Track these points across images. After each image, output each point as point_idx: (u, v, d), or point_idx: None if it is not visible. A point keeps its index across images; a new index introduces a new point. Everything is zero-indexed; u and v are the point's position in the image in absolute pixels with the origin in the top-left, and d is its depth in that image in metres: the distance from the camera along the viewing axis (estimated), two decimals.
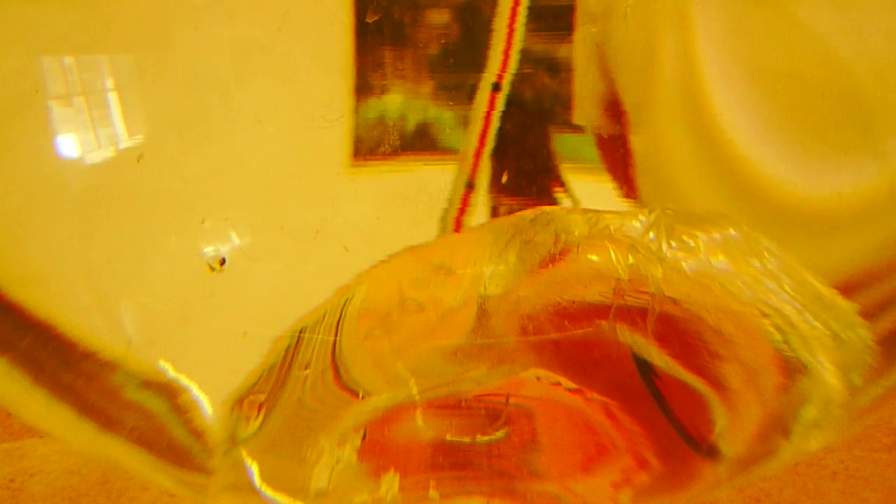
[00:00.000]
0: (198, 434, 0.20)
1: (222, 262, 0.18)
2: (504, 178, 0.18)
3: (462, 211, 0.19)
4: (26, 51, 0.17)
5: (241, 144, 0.18)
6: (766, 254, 0.18)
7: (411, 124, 0.18)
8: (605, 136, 0.18)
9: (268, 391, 0.19)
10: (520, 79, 0.18)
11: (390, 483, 0.19)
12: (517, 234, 0.18)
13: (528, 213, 0.18)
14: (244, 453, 0.20)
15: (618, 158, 0.18)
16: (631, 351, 0.18)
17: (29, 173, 0.18)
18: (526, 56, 0.18)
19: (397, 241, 0.18)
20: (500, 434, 0.19)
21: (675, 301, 0.18)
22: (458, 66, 0.18)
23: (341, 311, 0.19)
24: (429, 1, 0.17)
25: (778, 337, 0.18)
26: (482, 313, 0.18)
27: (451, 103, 0.18)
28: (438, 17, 0.17)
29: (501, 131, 0.18)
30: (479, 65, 0.18)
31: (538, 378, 0.19)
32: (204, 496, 0.21)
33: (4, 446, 0.32)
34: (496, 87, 0.18)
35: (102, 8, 0.18)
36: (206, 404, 0.19)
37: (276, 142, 0.18)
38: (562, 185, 0.18)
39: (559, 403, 0.19)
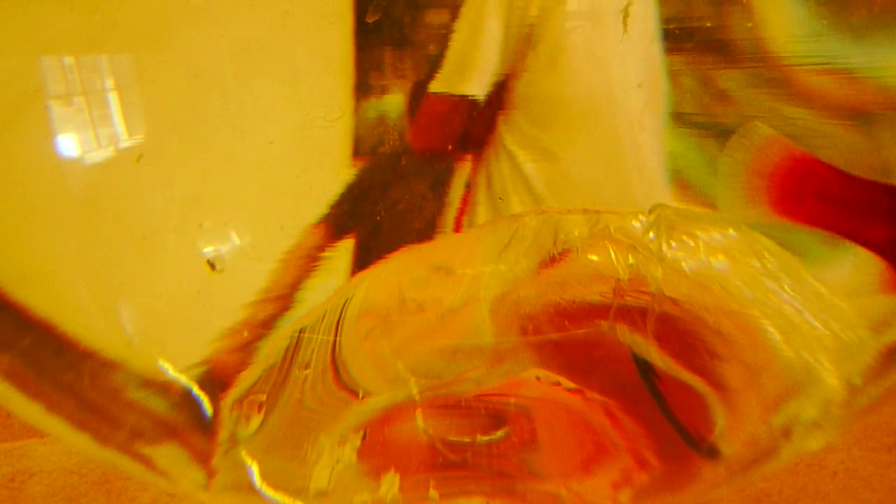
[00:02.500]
0: (198, 433, 0.20)
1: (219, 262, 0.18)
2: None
3: (462, 211, 0.18)
4: (26, 51, 0.17)
5: (241, 144, 0.18)
6: (766, 254, 0.18)
7: None
8: None
9: (268, 391, 0.19)
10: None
11: (390, 483, 0.19)
12: (517, 234, 0.18)
13: (529, 214, 0.18)
14: (244, 453, 0.20)
15: None
16: (631, 351, 0.18)
17: (29, 173, 0.18)
18: None
19: None
20: (499, 434, 0.19)
21: (675, 301, 0.18)
22: None
23: (341, 311, 0.19)
24: (429, 1, 0.17)
25: (778, 337, 0.18)
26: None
27: None
28: (438, 17, 0.17)
29: None
30: None
31: (538, 378, 0.19)
32: (204, 496, 0.21)
33: (4, 446, 0.32)
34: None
35: (102, 8, 0.18)
36: (206, 404, 0.19)
37: (276, 141, 0.18)
38: None
39: (559, 403, 0.19)
